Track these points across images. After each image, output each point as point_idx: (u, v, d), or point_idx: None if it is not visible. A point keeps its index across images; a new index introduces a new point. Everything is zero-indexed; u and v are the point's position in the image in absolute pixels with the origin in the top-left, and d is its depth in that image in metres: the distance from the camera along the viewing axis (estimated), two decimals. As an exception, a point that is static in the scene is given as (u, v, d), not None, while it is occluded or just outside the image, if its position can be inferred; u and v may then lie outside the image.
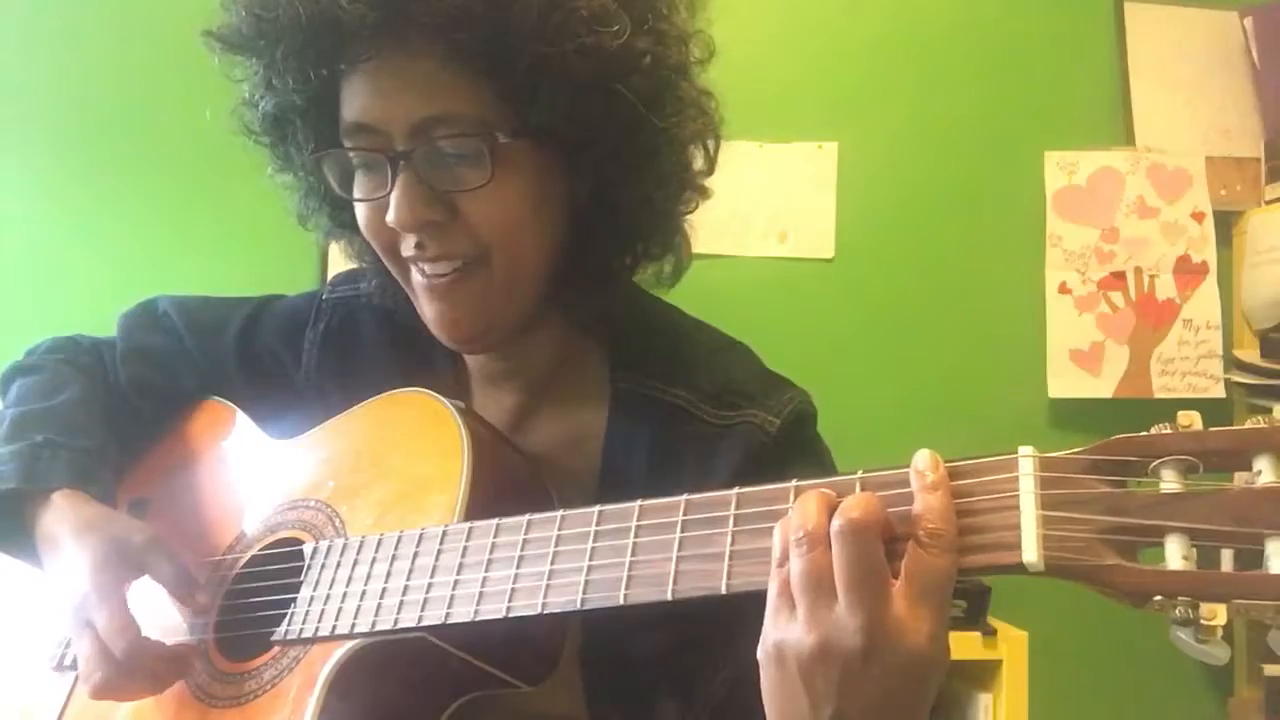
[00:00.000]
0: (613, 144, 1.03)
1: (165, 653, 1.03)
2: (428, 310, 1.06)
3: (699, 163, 1.11)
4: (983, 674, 2.23)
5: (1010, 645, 2.20)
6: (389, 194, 1.00)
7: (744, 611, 0.80)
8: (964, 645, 2.17)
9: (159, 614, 1.10)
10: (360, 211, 1.06)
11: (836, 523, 0.73)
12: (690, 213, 1.14)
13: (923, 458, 0.76)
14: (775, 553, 0.77)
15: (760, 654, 0.78)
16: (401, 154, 0.99)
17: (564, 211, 1.06)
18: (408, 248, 1.03)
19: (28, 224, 2.49)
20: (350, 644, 0.95)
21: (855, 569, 0.73)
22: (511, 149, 1.00)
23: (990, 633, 2.20)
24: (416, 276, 1.05)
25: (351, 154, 1.03)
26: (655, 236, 1.12)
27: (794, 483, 0.80)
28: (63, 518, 1.09)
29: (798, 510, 0.76)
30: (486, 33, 0.95)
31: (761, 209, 2.55)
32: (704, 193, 1.13)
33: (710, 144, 1.11)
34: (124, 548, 1.06)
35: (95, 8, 2.52)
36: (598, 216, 1.06)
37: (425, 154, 0.99)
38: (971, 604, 2.21)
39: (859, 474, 0.79)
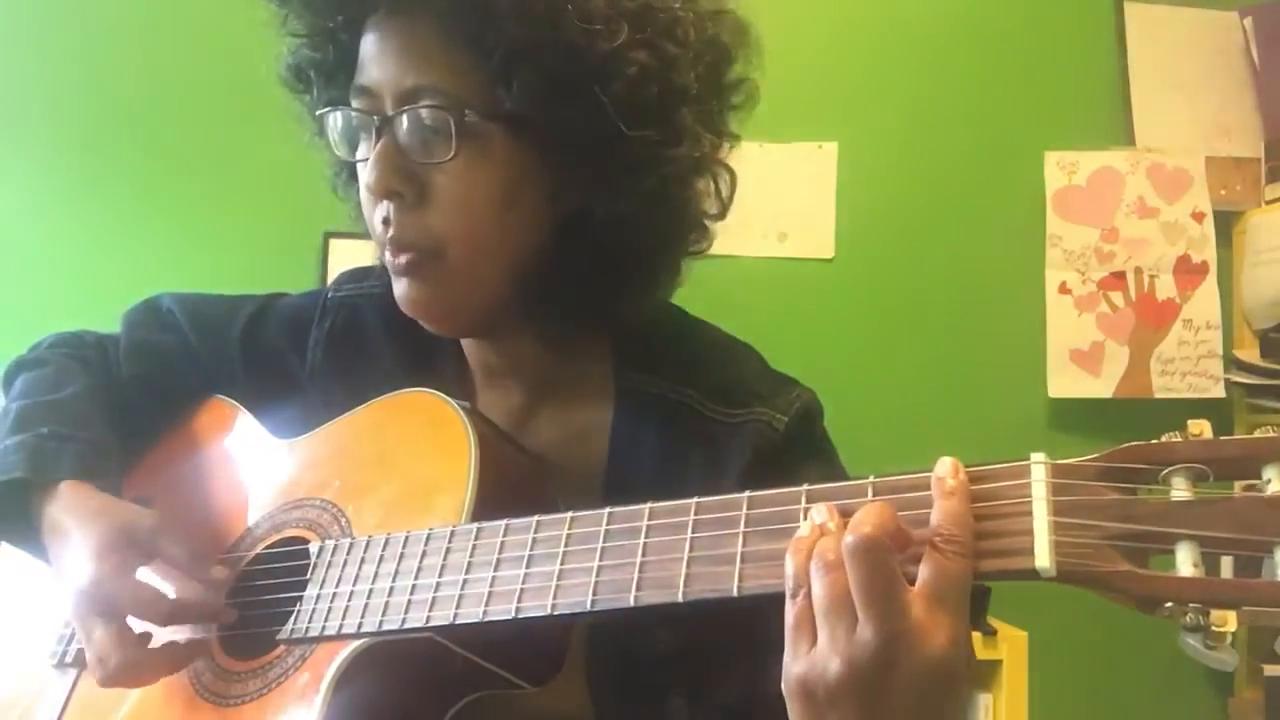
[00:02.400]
0: (590, 151, 1.01)
1: (170, 638, 1.03)
2: (396, 287, 1.06)
3: (709, 202, 1.09)
4: (983, 674, 2.23)
5: (1010, 645, 2.21)
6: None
7: (756, 615, 0.79)
8: (964, 645, 2.17)
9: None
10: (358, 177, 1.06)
11: (849, 539, 0.72)
12: (697, 255, 1.12)
13: (944, 465, 0.75)
14: (789, 582, 0.76)
15: (785, 689, 0.76)
16: (385, 119, 1.00)
17: (544, 215, 1.04)
18: (378, 221, 1.03)
19: (31, 221, 2.49)
20: (356, 643, 0.95)
21: (872, 584, 0.72)
22: (482, 131, 0.99)
23: (990, 633, 2.21)
24: (386, 255, 1.05)
25: (351, 115, 1.04)
26: (640, 264, 1.08)
27: (805, 487, 0.79)
28: (69, 508, 1.09)
29: (815, 533, 0.75)
30: (471, 6, 0.95)
31: (761, 209, 2.56)
32: (708, 234, 1.11)
33: (723, 186, 1.09)
34: (133, 533, 1.06)
35: (98, 8, 2.52)
36: (578, 229, 1.04)
37: (408, 122, 0.99)
38: (971, 604, 2.20)
39: (870, 479, 0.78)
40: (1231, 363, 2.62)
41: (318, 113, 1.08)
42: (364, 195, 1.05)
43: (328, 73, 1.07)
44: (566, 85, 0.98)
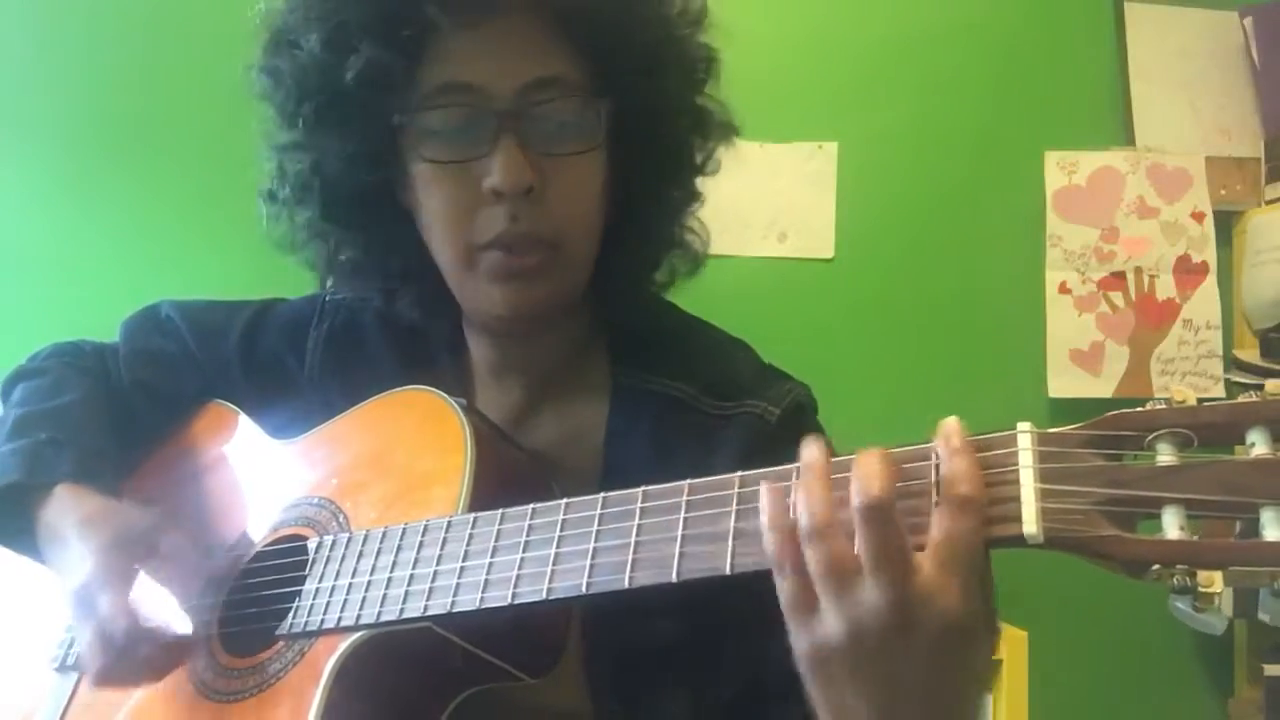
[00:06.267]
0: (674, 140, 1.07)
1: (163, 640, 1.03)
2: (496, 291, 1.04)
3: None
4: (983, 673, 2.22)
5: (1010, 645, 2.20)
6: (489, 156, 0.99)
7: (754, 602, 0.79)
8: (965, 644, 2.16)
9: (164, 610, 1.10)
10: (443, 180, 1.03)
11: (859, 500, 0.71)
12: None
13: (950, 424, 0.77)
14: (773, 561, 0.75)
15: (801, 667, 0.76)
16: (510, 112, 0.99)
17: (606, 201, 1.08)
18: (495, 223, 1.01)
19: (34, 226, 2.49)
20: (355, 636, 0.95)
21: (884, 546, 0.71)
22: (603, 119, 1.02)
23: (991, 632, 2.20)
24: (494, 258, 1.02)
25: (452, 112, 1.01)
26: (674, 236, 1.14)
27: (797, 464, 0.79)
28: (66, 510, 1.09)
29: (802, 505, 0.75)
30: (600, 5, 0.99)
31: (761, 209, 2.56)
32: (698, 196, 1.16)
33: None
34: (130, 533, 1.06)
35: (103, 9, 2.53)
36: (631, 209, 1.09)
37: (531, 116, 1.00)
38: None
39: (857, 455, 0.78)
40: (1231, 363, 2.61)
41: (408, 114, 1.02)
42: (457, 200, 1.02)
43: (401, 77, 1.02)
44: (677, 80, 1.05)
